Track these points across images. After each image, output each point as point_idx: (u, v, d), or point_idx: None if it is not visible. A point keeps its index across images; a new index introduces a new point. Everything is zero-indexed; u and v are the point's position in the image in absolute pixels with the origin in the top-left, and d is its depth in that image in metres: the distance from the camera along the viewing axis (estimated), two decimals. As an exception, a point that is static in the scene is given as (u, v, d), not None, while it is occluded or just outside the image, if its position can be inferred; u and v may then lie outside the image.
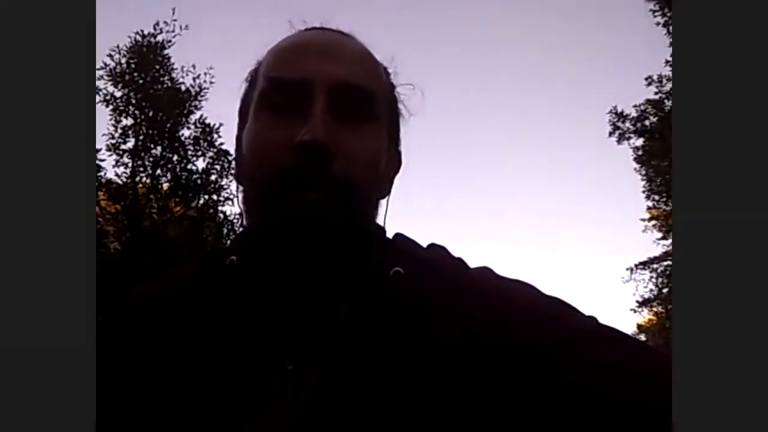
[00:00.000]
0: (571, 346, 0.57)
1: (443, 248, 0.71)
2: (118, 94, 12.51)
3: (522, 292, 0.64)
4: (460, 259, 0.69)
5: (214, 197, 12.57)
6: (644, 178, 16.62)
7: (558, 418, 0.54)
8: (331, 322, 0.62)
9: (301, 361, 0.60)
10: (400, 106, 0.73)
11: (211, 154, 12.78)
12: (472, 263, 0.70)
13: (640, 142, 16.28)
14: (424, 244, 0.72)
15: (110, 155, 12.32)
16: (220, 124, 12.73)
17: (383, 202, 0.71)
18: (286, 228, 0.60)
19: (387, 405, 0.56)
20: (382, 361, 0.59)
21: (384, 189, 0.71)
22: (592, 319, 0.62)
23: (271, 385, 0.59)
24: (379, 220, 0.70)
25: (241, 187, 0.69)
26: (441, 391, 0.57)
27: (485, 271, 0.67)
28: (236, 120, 0.73)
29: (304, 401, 0.57)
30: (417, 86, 0.74)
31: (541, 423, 0.55)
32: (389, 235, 0.72)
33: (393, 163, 0.72)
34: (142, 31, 12.72)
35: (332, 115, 0.61)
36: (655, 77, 15.64)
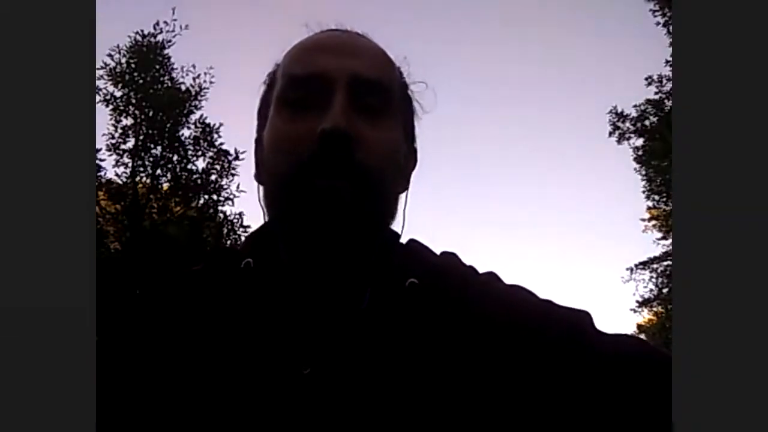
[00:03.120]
0: (572, 348, 0.58)
1: (455, 256, 0.72)
2: (118, 94, 12.49)
3: (524, 298, 0.65)
4: (471, 267, 0.70)
5: (214, 197, 12.54)
6: (644, 178, 16.58)
7: (562, 414, 0.56)
8: (351, 317, 0.62)
9: (317, 364, 0.60)
10: (415, 104, 0.74)
11: (211, 154, 12.75)
12: (471, 263, 0.71)
13: (640, 142, 16.26)
14: (436, 250, 0.73)
15: (110, 155, 12.31)
16: (220, 124, 12.71)
17: (401, 197, 0.71)
18: (310, 214, 0.60)
19: (404, 410, 0.57)
20: (397, 368, 0.59)
21: (403, 183, 0.71)
22: (587, 315, 0.63)
23: (288, 391, 0.58)
24: (398, 216, 0.71)
25: (261, 187, 0.69)
26: (451, 395, 0.58)
27: (491, 278, 0.69)
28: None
29: (322, 406, 0.57)
30: (427, 85, 0.75)
31: (546, 419, 0.56)
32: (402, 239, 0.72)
33: (410, 158, 0.73)
34: (142, 31, 12.70)
35: (352, 107, 0.62)
36: (655, 77, 15.62)
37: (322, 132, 0.60)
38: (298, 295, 0.64)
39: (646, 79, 15.72)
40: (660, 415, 0.52)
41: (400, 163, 0.68)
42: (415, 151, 0.75)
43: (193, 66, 12.99)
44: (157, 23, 12.71)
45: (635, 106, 16.06)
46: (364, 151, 0.61)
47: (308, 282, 0.64)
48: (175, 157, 12.62)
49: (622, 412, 0.53)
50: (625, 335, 0.61)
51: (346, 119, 0.60)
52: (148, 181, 12.59)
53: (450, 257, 0.71)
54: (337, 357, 0.60)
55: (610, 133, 16.38)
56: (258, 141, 0.72)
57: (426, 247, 0.72)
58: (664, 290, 16.59)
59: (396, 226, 0.71)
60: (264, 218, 0.69)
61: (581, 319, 0.62)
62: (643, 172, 16.50)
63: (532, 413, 0.57)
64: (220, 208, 12.57)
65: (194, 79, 12.89)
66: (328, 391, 0.58)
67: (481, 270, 0.70)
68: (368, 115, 0.64)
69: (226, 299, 0.65)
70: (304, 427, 0.57)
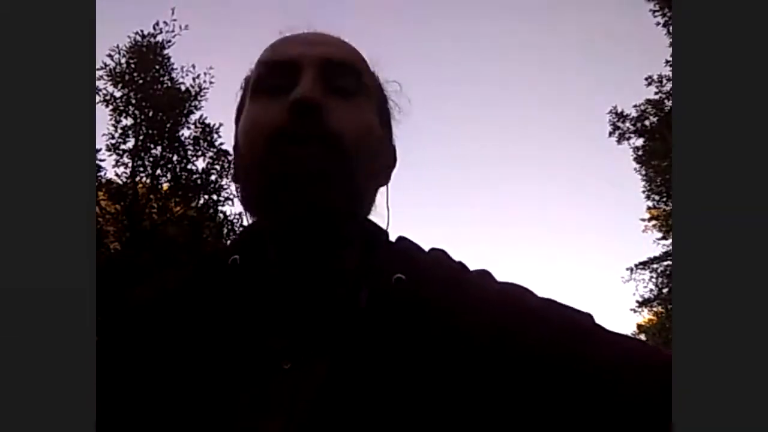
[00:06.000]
0: (570, 346, 0.57)
1: (444, 252, 0.71)
2: (118, 94, 12.49)
3: (519, 295, 0.65)
4: (460, 263, 0.70)
5: (214, 197, 12.55)
6: (644, 178, 16.59)
7: (559, 415, 0.55)
8: (349, 311, 0.62)
9: (298, 359, 0.60)
10: (390, 104, 0.73)
11: (211, 154, 12.76)
12: (472, 264, 0.70)
13: (640, 142, 16.27)
14: (426, 248, 0.72)
15: (110, 155, 12.32)
16: (220, 124, 12.72)
17: (382, 192, 0.71)
18: (283, 183, 0.60)
19: (391, 408, 0.56)
20: (383, 365, 0.58)
21: (381, 175, 0.71)
22: (589, 317, 0.62)
23: (268, 385, 0.58)
24: (383, 217, 0.71)
25: (239, 188, 0.68)
26: (442, 394, 0.57)
27: (484, 275, 0.68)
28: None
29: (304, 402, 0.57)
30: (409, 86, 0.75)
31: (544, 420, 0.55)
32: (392, 238, 0.72)
33: (387, 149, 0.72)
34: (142, 31, 12.70)
35: (322, 86, 0.63)
36: (655, 77, 15.62)
37: (292, 102, 0.60)
38: (283, 291, 0.64)
39: (646, 79, 15.73)
40: (663, 420, 0.51)
41: (374, 145, 0.66)
42: (393, 148, 0.74)
43: (193, 66, 13.01)
44: (157, 23, 12.73)
45: (635, 106, 16.08)
46: (335, 119, 0.61)
47: (291, 277, 0.64)
48: (175, 157, 12.63)
49: (622, 410, 0.53)
50: (628, 336, 0.60)
51: (314, 90, 0.61)
52: (148, 181, 12.59)
53: (439, 254, 0.71)
54: (321, 350, 0.60)
55: (610, 133, 16.39)
56: (236, 146, 0.72)
57: (415, 245, 0.72)
58: (664, 290, 16.59)
59: (382, 222, 0.70)
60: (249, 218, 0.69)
61: (582, 320, 0.61)
62: (643, 172, 16.50)
63: (528, 413, 0.56)
64: (220, 208, 12.59)
65: (194, 79, 12.90)
66: (307, 386, 0.58)
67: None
68: (341, 95, 0.64)
69: (213, 296, 0.65)
70: (283, 421, 0.56)
